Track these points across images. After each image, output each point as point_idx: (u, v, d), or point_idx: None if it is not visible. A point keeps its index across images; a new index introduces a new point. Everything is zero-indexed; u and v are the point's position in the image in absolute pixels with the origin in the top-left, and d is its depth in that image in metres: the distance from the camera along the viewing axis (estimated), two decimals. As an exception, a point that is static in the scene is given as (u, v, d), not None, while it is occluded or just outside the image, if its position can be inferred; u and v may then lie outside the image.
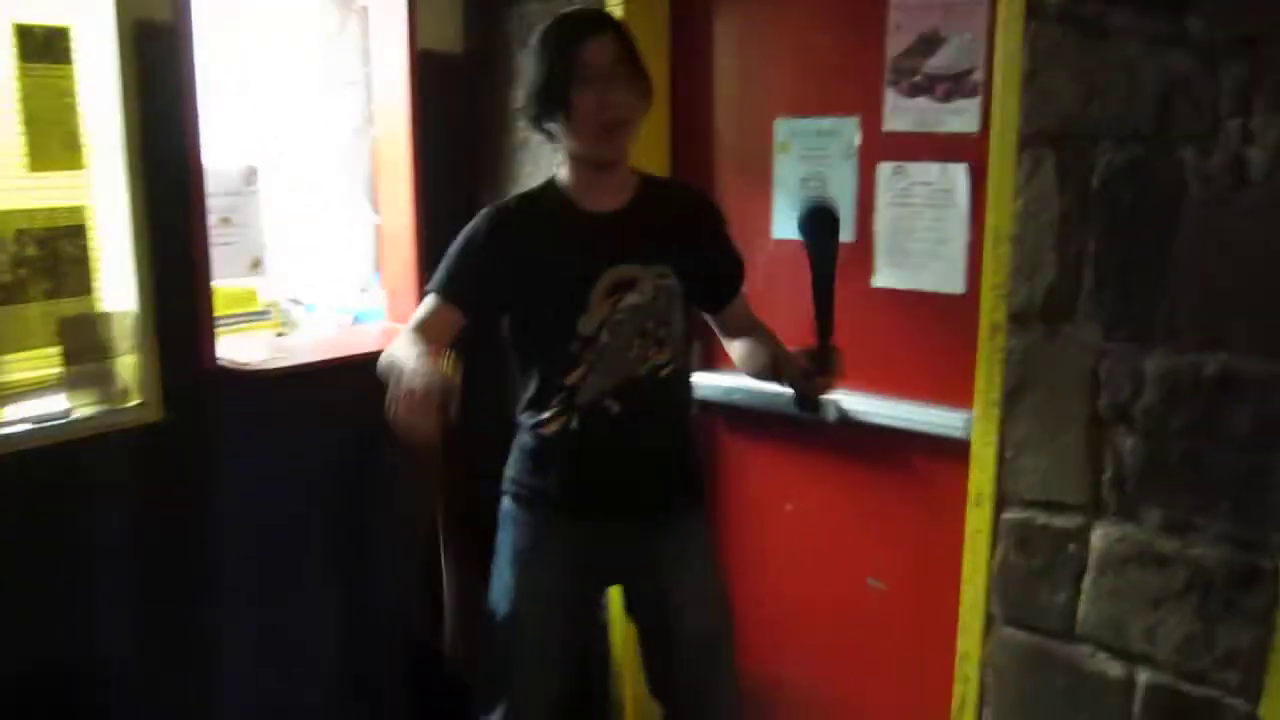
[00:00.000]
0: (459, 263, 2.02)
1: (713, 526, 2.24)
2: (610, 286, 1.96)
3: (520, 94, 1.99)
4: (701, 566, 2.16)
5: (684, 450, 2.16)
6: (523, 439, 2.10)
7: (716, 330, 2.28)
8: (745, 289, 2.26)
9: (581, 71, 1.88)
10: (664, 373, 2.03)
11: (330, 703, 2.87)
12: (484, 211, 2.05)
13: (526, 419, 2.07)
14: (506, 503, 2.14)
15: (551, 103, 1.91)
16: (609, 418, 2.00)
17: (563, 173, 2.04)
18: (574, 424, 2.00)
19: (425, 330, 1.96)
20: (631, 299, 1.97)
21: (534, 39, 1.97)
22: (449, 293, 2.01)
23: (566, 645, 2.16)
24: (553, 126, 1.96)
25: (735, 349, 2.23)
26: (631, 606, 2.23)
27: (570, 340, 1.97)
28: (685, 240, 2.07)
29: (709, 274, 2.14)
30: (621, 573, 2.18)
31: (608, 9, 2.70)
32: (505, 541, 2.13)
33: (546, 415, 2.02)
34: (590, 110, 1.89)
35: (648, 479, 2.07)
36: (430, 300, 2.02)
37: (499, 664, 2.14)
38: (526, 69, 1.99)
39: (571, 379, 1.99)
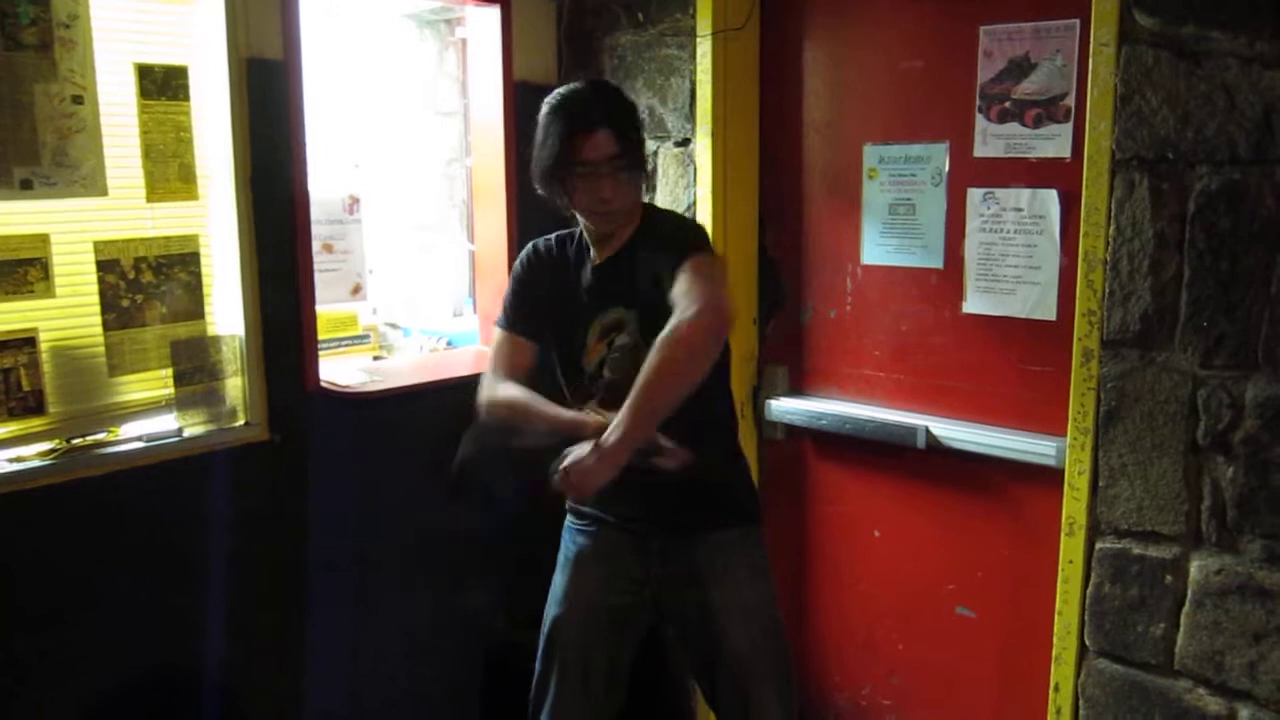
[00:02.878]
0: (512, 298, 2.23)
1: (765, 544, 2.25)
2: (602, 330, 2.10)
3: (531, 162, 2.10)
4: (744, 581, 2.18)
5: (712, 468, 2.16)
6: None
7: None
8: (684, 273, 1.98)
9: (577, 167, 2.00)
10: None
11: (417, 705, 2.94)
12: (525, 249, 2.26)
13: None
14: (567, 519, 2.29)
15: (552, 184, 2.06)
16: None
17: None
18: None
19: (507, 364, 2.18)
20: (621, 340, 2.08)
21: (544, 109, 2.08)
22: (513, 326, 2.21)
23: (610, 657, 2.23)
24: (557, 199, 2.10)
25: None
26: (675, 621, 2.27)
27: (579, 374, 2.14)
28: (652, 280, 2.05)
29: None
30: (664, 585, 2.21)
31: (699, 36, 2.75)
32: (561, 554, 2.28)
33: None
34: (582, 201, 2.03)
35: (674, 499, 2.12)
36: (499, 334, 2.23)
37: (544, 666, 2.24)
38: (535, 136, 2.08)
39: (589, 407, 2.10)
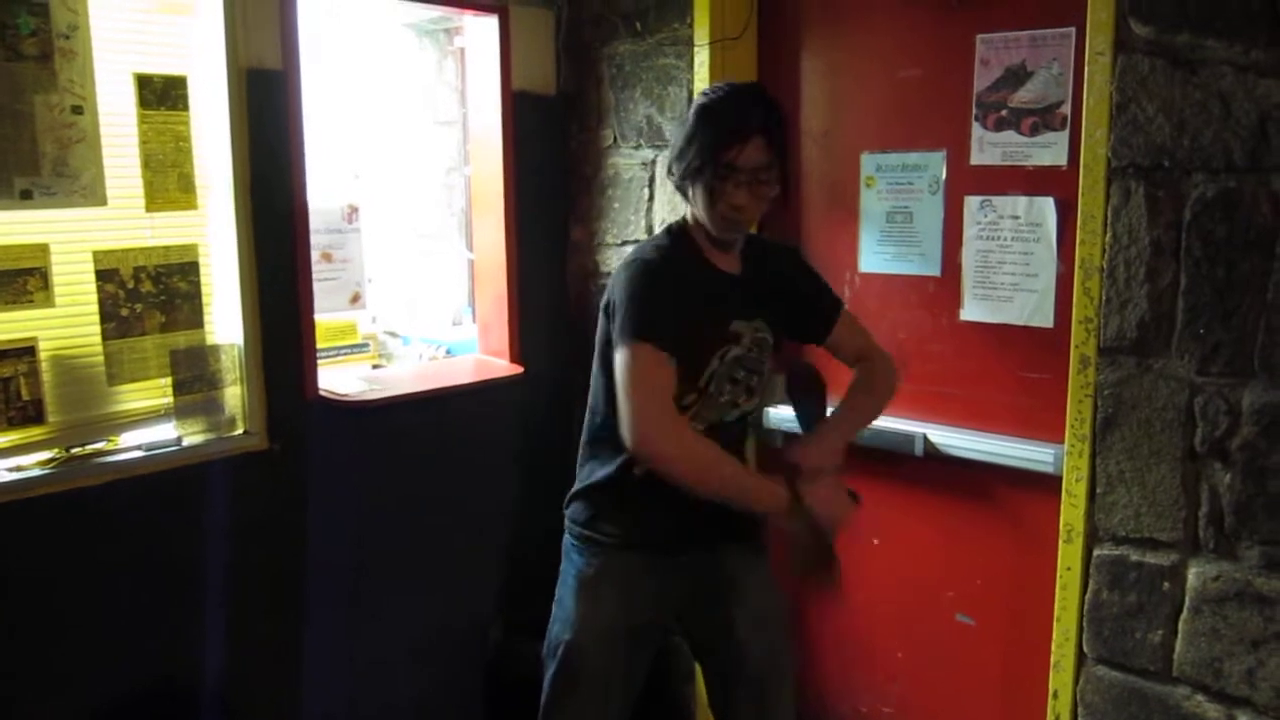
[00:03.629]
0: (655, 307, 1.94)
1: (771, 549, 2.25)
2: (719, 341, 2.04)
3: (671, 150, 2.05)
4: (762, 588, 2.19)
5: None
6: (599, 476, 2.12)
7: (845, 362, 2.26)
8: (844, 316, 2.21)
9: (726, 170, 1.94)
10: (751, 418, 2.12)
11: (416, 712, 2.95)
12: (636, 265, 2.00)
13: (612, 457, 2.08)
14: (569, 539, 2.18)
15: (693, 181, 1.99)
16: None
17: (689, 218, 2.09)
18: None
19: (669, 396, 1.94)
20: (734, 351, 2.04)
21: (698, 103, 2.02)
22: (661, 340, 1.91)
23: (627, 676, 2.19)
24: (688, 194, 2.04)
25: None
26: (695, 634, 2.25)
27: (690, 391, 2.02)
28: (782, 296, 2.13)
29: (807, 315, 2.19)
30: (685, 600, 2.19)
31: (696, 45, 2.76)
32: (569, 572, 2.17)
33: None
34: (724, 206, 1.97)
35: (721, 515, 2.06)
36: (645, 351, 1.90)
37: (557, 691, 2.16)
38: (685, 128, 2.01)
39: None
